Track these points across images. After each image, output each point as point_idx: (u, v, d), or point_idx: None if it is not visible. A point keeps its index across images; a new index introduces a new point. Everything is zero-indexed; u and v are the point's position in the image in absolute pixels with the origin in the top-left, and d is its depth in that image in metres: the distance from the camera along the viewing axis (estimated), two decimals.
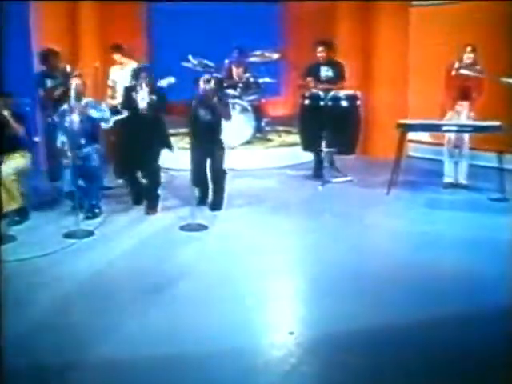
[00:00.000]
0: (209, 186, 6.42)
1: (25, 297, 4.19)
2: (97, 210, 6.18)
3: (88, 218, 6.00)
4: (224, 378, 3.24)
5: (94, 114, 6.13)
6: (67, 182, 6.00)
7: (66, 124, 6.04)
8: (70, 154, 5.88)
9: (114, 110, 6.86)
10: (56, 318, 3.93)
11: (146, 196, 6.40)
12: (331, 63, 7.65)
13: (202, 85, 6.25)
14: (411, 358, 3.39)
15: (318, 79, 7.59)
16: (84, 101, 6.12)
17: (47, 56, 7.03)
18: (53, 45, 7.25)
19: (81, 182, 6.03)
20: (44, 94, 6.94)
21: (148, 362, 3.38)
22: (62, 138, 6.04)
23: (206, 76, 6.39)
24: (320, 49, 7.59)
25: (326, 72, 7.60)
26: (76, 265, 4.84)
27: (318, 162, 7.71)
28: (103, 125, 6.41)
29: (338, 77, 7.60)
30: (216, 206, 6.36)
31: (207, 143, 6.23)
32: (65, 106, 6.13)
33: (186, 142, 6.70)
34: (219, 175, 6.38)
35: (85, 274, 4.66)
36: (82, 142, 6.07)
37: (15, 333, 3.42)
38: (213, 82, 6.27)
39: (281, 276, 4.69)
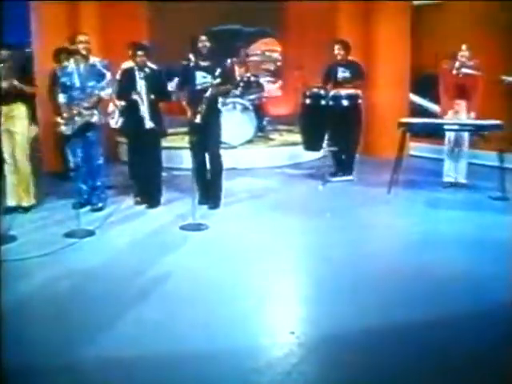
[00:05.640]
0: (207, 176, 6.39)
1: (25, 296, 4.19)
2: (100, 204, 6.30)
3: (94, 210, 6.22)
4: (224, 378, 3.23)
5: (97, 64, 6.05)
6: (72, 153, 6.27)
7: (69, 83, 6.00)
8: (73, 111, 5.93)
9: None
10: (56, 317, 3.92)
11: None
12: (348, 64, 7.61)
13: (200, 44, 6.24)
14: (412, 357, 3.38)
15: (335, 80, 7.56)
16: (91, 60, 6.08)
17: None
18: (52, 43, 7.25)
19: (80, 154, 6.14)
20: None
21: (147, 361, 3.38)
22: (62, 96, 6.02)
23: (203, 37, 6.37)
24: (337, 47, 7.56)
25: (342, 73, 7.58)
26: (76, 264, 4.83)
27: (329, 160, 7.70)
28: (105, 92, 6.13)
29: (355, 77, 7.55)
30: (213, 204, 6.35)
31: (207, 114, 6.08)
32: (68, 64, 6.07)
33: (186, 142, 6.68)
34: (217, 161, 6.32)
35: (85, 273, 4.65)
36: (84, 103, 5.97)
37: (15, 332, 3.42)
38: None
39: (281, 275, 4.67)
